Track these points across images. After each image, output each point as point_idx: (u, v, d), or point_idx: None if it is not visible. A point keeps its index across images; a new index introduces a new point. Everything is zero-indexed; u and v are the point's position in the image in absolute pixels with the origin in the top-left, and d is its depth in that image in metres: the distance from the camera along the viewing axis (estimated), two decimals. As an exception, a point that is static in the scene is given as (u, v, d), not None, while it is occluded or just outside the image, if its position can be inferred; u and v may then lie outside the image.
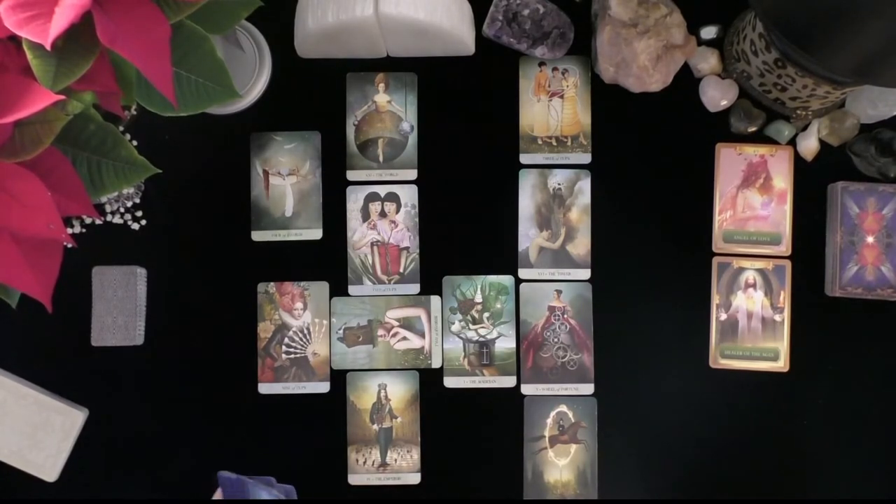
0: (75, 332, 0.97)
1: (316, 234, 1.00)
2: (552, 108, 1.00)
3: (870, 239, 0.97)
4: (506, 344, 0.99)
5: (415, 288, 0.99)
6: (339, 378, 0.99)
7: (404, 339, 0.99)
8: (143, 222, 0.99)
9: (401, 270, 0.99)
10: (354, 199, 1.00)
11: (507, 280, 0.99)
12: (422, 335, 0.99)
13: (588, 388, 0.99)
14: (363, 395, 0.99)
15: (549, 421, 0.98)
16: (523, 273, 0.99)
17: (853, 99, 0.98)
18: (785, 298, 0.98)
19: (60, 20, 0.61)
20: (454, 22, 0.93)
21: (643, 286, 0.99)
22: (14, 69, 0.67)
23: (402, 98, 1.01)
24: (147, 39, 0.67)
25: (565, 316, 0.99)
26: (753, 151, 0.99)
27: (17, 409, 0.94)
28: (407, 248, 1.00)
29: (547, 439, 0.98)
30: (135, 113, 0.94)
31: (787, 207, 0.99)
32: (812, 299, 0.98)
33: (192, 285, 0.99)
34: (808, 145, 0.98)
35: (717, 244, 0.99)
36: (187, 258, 1.00)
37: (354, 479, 0.98)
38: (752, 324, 0.98)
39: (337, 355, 0.99)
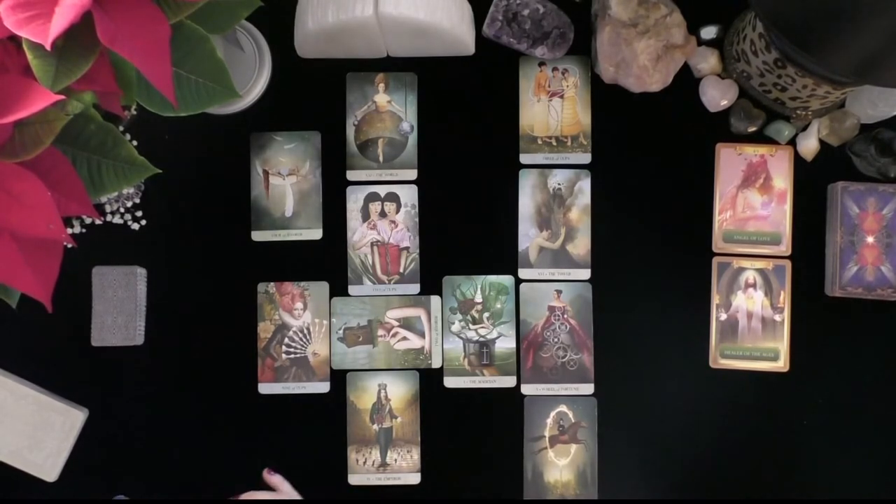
0: (75, 332, 0.97)
1: (316, 234, 1.00)
2: (552, 108, 1.00)
3: (870, 239, 0.97)
4: (506, 344, 0.99)
5: (415, 288, 0.99)
6: (339, 378, 0.99)
7: (404, 339, 0.99)
8: (143, 222, 0.99)
9: (401, 270, 0.99)
10: (354, 199, 1.00)
11: (507, 280, 0.99)
12: (422, 335, 0.99)
13: (588, 388, 0.99)
14: (363, 395, 0.99)
15: (549, 421, 0.98)
16: (523, 273, 0.99)
17: (853, 99, 0.98)
18: (785, 298, 0.98)
19: (60, 20, 0.61)
20: (454, 22, 0.93)
21: (643, 286, 0.99)
22: (14, 69, 0.67)
23: (402, 98, 1.01)
24: (147, 39, 0.67)
25: (565, 316, 0.99)
26: (753, 151, 0.99)
27: (17, 409, 0.94)
28: (407, 248, 1.00)
29: (547, 439, 0.98)
30: (135, 113, 0.94)
31: (787, 207, 0.99)
32: (812, 299, 0.98)
33: (192, 285, 0.99)
34: (808, 145, 0.98)
35: (717, 244, 0.99)
36: (187, 258, 1.00)
37: (354, 479, 0.98)
38: (752, 324, 0.98)
39: (337, 355, 0.99)
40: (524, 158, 1.00)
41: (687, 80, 0.99)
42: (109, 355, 0.98)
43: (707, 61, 0.98)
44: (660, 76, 0.95)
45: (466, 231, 1.00)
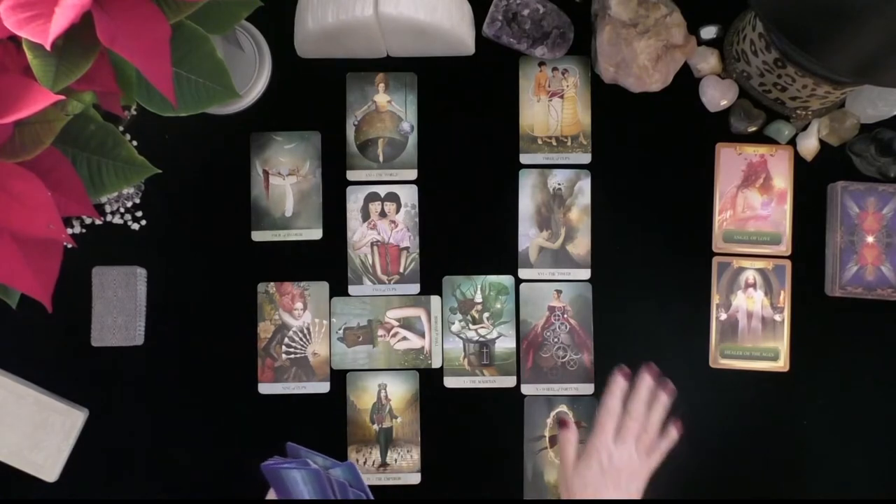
0: (75, 332, 0.97)
1: (316, 234, 1.00)
2: (552, 108, 1.00)
3: (870, 239, 0.97)
4: (506, 344, 0.99)
5: (415, 288, 0.99)
6: (339, 378, 0.99)
7: (404, 339, 0.99)
8: (143, 222, 0.99)
9: (401, 270, 0.99)
10: (354, 199, 1.00)
11: (507, 280, 0.99)
12: (422, 335, 0.99)
13: (588, 388, 0.99)
14: (363, 395, 0.99)
15: (550, 421, 0.98)
16: (523, 273, 0.99)
17: (853, 99, 0.98)
18: (785, 298, 0.98)
19: (60, 20, 0.61)
20: (454, 22, 0.93)
21: (643, 286, 0.99)
22: (14, 69, 0.67)
23: (402, 98, 1.01)
24: (147, 39, 0.67)
25: (565, 316, 0.99)
26: (753, 151, 0.99)
27: (17, 409, 0.94)
28: (407, 248, 1.00)
29: (547, 439, 0.98)
30: (135, 113, 0.94)
31: (787, 207, 0.99)
32: (812, 299, 0.98)
33: (192, 285, 0.99)
34: (808, 145, 0.98)
35: (717, 244, 0.99)
36: (187, 258, 1.00)
37: (354, 479, 0.98)
38: (752, 324, 0.98)
39: (337, 355, 0.99)
40: (524, 158, 1.00)
41: (687, 80, 0.99)
42: (109, 355, 0.98)
43: (707, 61, 0.98)
44: (660, 76, 0.95)
45: (466, 231, 1.00)
